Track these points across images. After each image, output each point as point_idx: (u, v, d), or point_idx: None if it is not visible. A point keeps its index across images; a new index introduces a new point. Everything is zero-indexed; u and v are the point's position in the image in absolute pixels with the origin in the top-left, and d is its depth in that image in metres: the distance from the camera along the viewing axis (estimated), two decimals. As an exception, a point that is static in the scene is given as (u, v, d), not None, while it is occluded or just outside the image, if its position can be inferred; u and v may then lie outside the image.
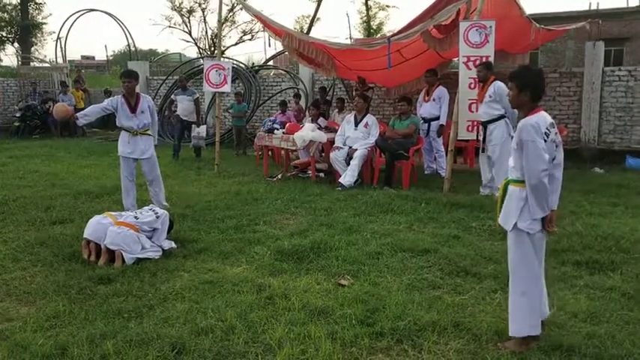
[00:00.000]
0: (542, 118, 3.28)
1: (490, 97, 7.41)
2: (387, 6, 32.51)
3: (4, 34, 34.84)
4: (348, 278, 4.63)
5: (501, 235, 5.16)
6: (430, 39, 8.48)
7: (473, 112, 7.72)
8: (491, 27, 7.47)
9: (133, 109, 6.77)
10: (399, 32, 9.33)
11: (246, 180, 9.30)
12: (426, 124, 9.52)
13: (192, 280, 4.61)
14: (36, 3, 33.91)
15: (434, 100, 9.52)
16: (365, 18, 33.14)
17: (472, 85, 7.68)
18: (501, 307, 3.95)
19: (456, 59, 9.68)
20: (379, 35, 29.71)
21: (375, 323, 3.71)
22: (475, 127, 7.76)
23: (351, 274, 4.72)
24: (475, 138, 7.99)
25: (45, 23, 34.74)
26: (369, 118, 8.96)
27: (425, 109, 9.64)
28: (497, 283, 4.43)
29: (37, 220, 6.68)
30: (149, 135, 6.98)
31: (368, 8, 32.89)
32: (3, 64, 34.82)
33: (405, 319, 3.73)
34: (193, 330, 3.64)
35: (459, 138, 8.02)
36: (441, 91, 9.51)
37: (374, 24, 33.22)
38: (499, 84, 7.25)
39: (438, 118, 9.49)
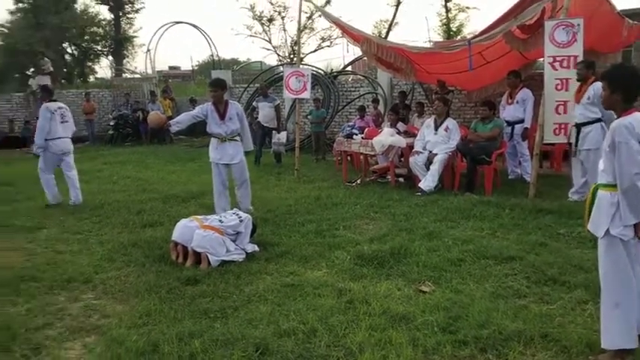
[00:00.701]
0: (636, 119, 3.12)
1: (588, 98, 7.00)
2: (467, 7, 31.79)
3: (99, 47, 37.15)
4: (429, 285, 4.58)
5: (592, 242, 4.93)
6: (513, 40, 8.24)
7: (560, 114, 7.40)
8: (579, 25, 7.15)
9: (222, 116, 7.01)
10: (481, 34, 9.13)
11: (325, 185, 9.39)
12: (510, 128, 9.24)
13: (275, 283, 4.71)
14: (127, 18, 35.90)
15: (517, 102, 9.22)
16: (444, 20, 32.60)
17: (559, 87, 7.36)
18: (593, 318, 3.77)
19: (540, 60, 9.34)
20: (459, 37, 29.12)
21: (457, 331, 3.65)
22: (563, 130, 7.44)
23: (432, 281, 4.66)
24: (563, 141, 7.66)
25: (136, 36, 36.71)
26: (450, 122, 8.81)
27: (508, 112, 9.36)
28: (588, 293, 4.22)
29: (130, 223, 7.06)
30: (237, 141, 7.19)
31: (447, 10, 32.33)
32: (98, 76, 37.08)
33: (489, 327, 3.64)
34: (276, 332, 3.72)
35: (545, 141, 7.73)
36: (525, 93, 9.19)
37: (453, 26, 32.58)
38: (599, 85, 6.87)
39: (521, 121, 9.17)
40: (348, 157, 10.91)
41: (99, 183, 10.47)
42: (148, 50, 25.97)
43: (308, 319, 3.87)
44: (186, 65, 50.09)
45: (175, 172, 11.64)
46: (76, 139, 19.09)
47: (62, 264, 5.45)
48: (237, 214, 5.75)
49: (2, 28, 35.39)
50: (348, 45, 31.20)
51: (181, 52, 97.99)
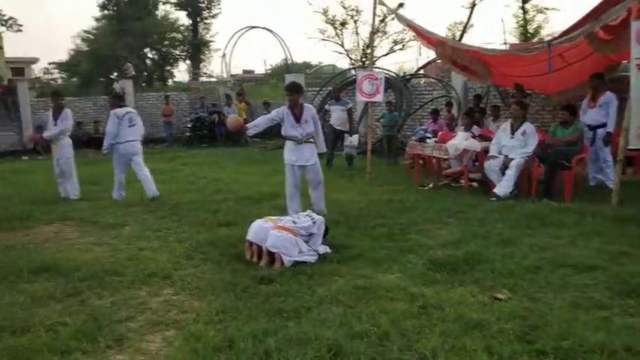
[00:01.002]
0: None
1: None
2: (546, 8, 30.70)
3: (177, 52, 38.57)
4: (505, 292, 4.46)
5: (682, 254, 4.66)
6: (596, 41, 7.91)
7: (647, 118, 7.03)
8: (669, 25, 6.76)
9: (298, 119, 7.14)
10: (561, 35, 8.81)
11: (397, 188, 9.33)
12: (592, 132, 8.86)
13: (347, 285, 4.74)
14: (205, 23, 37.09)
15: (600, 106, 8.84)
16: (521, 22, 31.63)
17: (647, 90, 7.00)
18: (682, 333, 3.57)
19: (626, 62, 8.90)
20: (536, 39, 28.17)
21: (535, 341, 3.54)
22: (650, 136, 7.06)
23: (508, 288, 4.54)
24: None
25: (212, 41, 37.92)
26: (527, 126, 8.56)
27: (590, 116, 8.98)
28: (677, 307, 4.01)
29: (206, 222, 7.29)
30: (312, 143, 7.30)
31: (525, 12, 31.34)
32: (176, 79, 38.49)
33: (569, 338, 3.51)
34: (348, 333, 3.74)
35: (629, 147, 7.35)
36: (608, 97, 8.79)
37: (531, 28, 31.55)
38: None
39: (604, 126, 8.78)
40: (421, 161, 10.80)
41: (177, 183, 10.88)
42: (224, 54, 26.74)
43: (380, 322, 3.87)
44: (259, 69, 51.07)
45: (249, 173, 11.91)
46: (155, 140, 20.11)
47: (143, 260, 5.70)
48: (311, 216, 5.83)
49: (89, 35, 37.47)
50: (420, 48, 30.89)
51: (255, 56, 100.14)
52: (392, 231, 6.49)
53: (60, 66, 39.92)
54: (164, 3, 36.99)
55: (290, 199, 7.35)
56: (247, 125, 7.29)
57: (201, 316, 4.21)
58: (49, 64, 42.03)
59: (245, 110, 19.62)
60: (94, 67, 34.44)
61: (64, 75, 40.73)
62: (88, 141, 19.62)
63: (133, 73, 23.63)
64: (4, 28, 31.49)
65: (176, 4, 36.32)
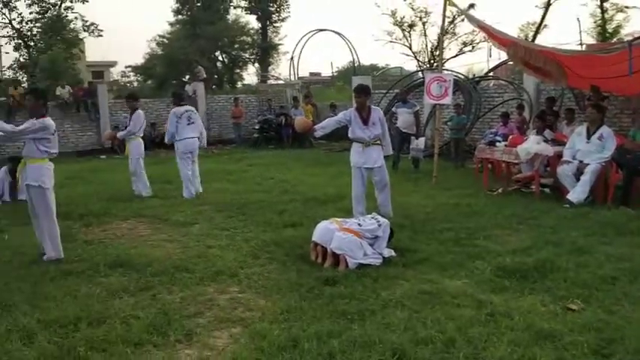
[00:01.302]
0: None
1: None
2: (627, 7, 29.25)
3: (246, 55, 39.32)
4: (578, 303, 4.29)
5: None
6: (683, 40, 7.47)
7: None
8: None
9: (366, 121, 7.13)
10: (644, 35, 8.38)
11: (464, 193, 9.14)
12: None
13: (412, 290, 4.68)
14: (274, 26, 37.64)
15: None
16: (599, 21, 30.29)
17: None
18: None
19: None
20: (615, 39, 26.90)
21: (611, 355, 3.39)
22: None
23: (582, 299, 4.36)
24: None
25: (281, 44, 38.37)
26: (604, 130, 8.18)
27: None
28: None
29: (272, 222, 7.40)
30: (379, 145, 7.28)
31: (603, 11, 30.00)
32: (245, 82, 39.25)
33: (647, 354, 3.34)
34: (413, 338, 3.70)
35: None
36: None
37: (610, 27, 30.16)
38: None
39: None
40: (489, 165, 10.54)
41: (244, 183, 11.10)
42: (292, 57, 27.05)
43: (446, 329, 3.81)
44: (326, 71, 51.33)
45: (315, 175, 11.98)
46: (223, 141, 20.62)
47: (212, 258, 5.85)
48: (376, 219, 5.80)
49: (163, 39, 38.82)
50: (491, 49, 30.19)
51: (322, 59, 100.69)
52: (459, 236, 6.37)
53: (136, 69, 41.56)
54: (235, 7, 37.87)
55: (356, 202, 7.34)
56: (315, 127, 7.34)
57: (267, 314, 4.28)
58: (126, 67, 43.82)
59: (312, 112, 19.75)
60: (168, 70, 35.60)
61: (139, 78, 42.41)
62: (160, 141, 20.33)
63: (205, 75, 24.28)
64: (86, 34, 33.13)
65: (247, 9, 37.03)
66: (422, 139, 12.64)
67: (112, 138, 13.08)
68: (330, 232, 5.59)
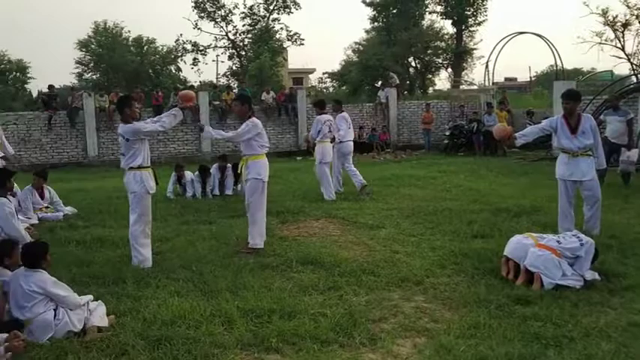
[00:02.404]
0: None
1: None
2: None
3: (439, 60, 38.90)
4: None
5: None
6: None
7: None
8: None
9: (574, 130, 6.55)
10: None
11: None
12: None
13: (619, 320, 4.19)
14: (470, 31, 36.69)
15: None
16: None
17: None
18: None
19: None
20: None
21: None
22: None
23: None
24: None
25: (476, 49, 37.28)
26: None
27: None
28: None
29: (461, 232, 7.15)
30: (590, 156, 6.64)
31: None
32: (436, 87, 38.86)
33: None
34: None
35: None
36: None
37: None
38: None
39: None
40: None
41: (433, 190, 10.94)
42: (487, 62, 26.10)
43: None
44: (522, 76, 48.58)
45: (507, 185, 11.38)
46: (412, 147, 20.71)
47: (398, 263, 5.84)
48: (578, 236, 5.29)
49: (359, 46, 40.06)
50: None
51: (517, 63, 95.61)
52: (679, 263, 5.56)
53: (332, 75, 43.53)
54: (430, 13, 37.64)
55: (562, 217, 6.76)
56: (515, 135, 6.90)
57: (453, 328, 4.14)
58: (323, 74, 46.22)
59: (506, 119, 18.85)
60: (362, 76, 36.61)
61: (335, 84, 44.30)
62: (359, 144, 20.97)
63: (397, 82, 24.49)
64: (289, 43, 35.51)
65: (442, 14, 36.63)
66: (635, 151, 11.29)
67: (308, 141, 13.80)
68: (524, 247, 5.24)
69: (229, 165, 10.84)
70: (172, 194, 10.55)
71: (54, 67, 69.88)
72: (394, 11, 36.62)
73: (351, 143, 11.04)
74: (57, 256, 6.01)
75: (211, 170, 10.80)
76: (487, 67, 26.18)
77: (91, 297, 4.49)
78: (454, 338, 3.92)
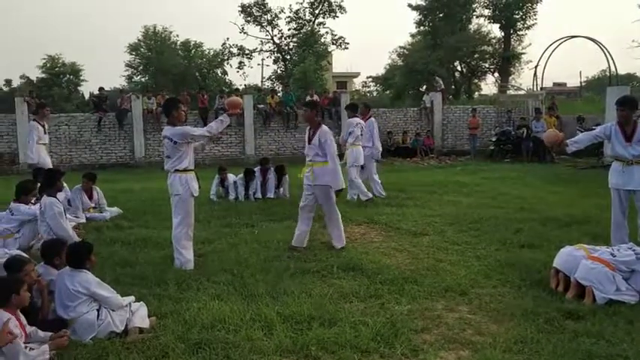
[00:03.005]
0: None
1: None
2: None
3: (486, 65, 38.21)
4: None
5: None
6: None
7: None
8: None
9: (629, 138, 6.28)
10: None
11: None
12: None
13: (681, 340, 3.95)
14: (518, 35, 35.90)
15: None
16: None
17: None
18: None
19: None
20: None
21: None
22: None
23: None
24: None
25: (524, 53, 36.44)
26: None
27: None
28: None
29: (507, 241, 6.94)
30: None
31: None
32: (482, 92, 38.18)
33: None
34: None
35: None
36: None
37: None
38: None
39: None
40: None
41: (478, 197, 10.70)
42: (536, 67, 25.47)
43: None
44: (572, 82, 47.26)
45: (556, 193, 11.04)
46: (457, 152, 20.41)
47: (441, 272, 5.69)
48: (634, 249, 5.04)
49: (404, 50, 39.75)
50: None
51: (567, 68, 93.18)
52: None
53: (376, 79, 43.37)
54: (478, 16, 37.01)
55: (616, 228, 6.47)
56: (567, 141, 6.65)
57: (499, 342, 3.99)
58: (367, 77, 46.07)
59: (555, 125, 18.34)
60: (406, 80, 36.31)
61: (378, 88, 44.12)
62: (395, 150, 20.79)
63: (442, 86, 24.17)
64: (334, 47, 35.56)
65: (490, 17, 35.94)
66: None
67: (343, 144, 13.75)
68: (575, 259, 5.02)
69: (271, 167, 10.88)
70: (215, 196, 10.64)
71: (106, 70, 72.17)
72: (440, 15, 36.16)
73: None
74: (103, 255, 6.13)
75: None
76: (536, 71, 25.56)
77: (133, 298, 4.54)
78: (500, 352, 3.78)
